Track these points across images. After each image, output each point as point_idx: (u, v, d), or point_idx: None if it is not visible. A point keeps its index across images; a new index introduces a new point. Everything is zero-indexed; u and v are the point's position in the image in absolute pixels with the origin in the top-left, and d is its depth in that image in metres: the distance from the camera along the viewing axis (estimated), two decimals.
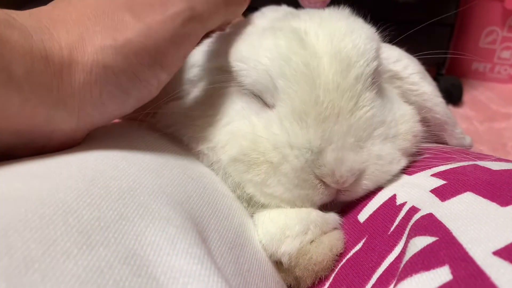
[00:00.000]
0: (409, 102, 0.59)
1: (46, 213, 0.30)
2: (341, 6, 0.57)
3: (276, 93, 0.49)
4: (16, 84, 0.36)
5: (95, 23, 0.42)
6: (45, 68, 0.38)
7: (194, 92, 0.56)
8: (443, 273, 0.33)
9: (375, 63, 0.50)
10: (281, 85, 0.48)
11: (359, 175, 0.49)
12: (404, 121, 0.53)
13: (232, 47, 0.53)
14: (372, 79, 0.50)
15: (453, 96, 1.92)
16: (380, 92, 0.52)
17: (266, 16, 0.58)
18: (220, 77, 0.53)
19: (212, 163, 0.53)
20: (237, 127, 0.51)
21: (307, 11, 0.57)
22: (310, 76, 0.47)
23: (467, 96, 2.04)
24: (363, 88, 0.49)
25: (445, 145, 0.62)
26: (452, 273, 0.32)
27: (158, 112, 0.56)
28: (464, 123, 1.79)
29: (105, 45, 0.41)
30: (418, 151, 0.55)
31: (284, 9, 0.63)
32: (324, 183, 0.48)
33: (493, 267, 0.31)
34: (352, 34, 0.50)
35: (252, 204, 0.52)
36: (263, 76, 0.49)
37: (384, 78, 0.56)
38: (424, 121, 0.60)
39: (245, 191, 0.51)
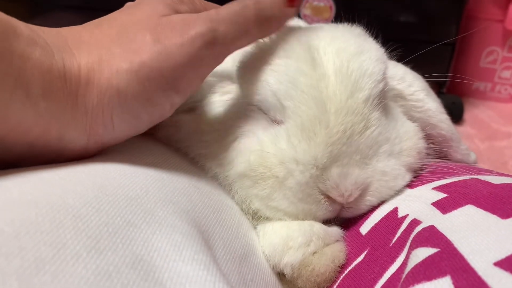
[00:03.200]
0: (413, 119, 0.60)
1: (56, 217, 0.31)
2: (352, 24, 0.58)
3: (284, 112, 0.49)
4: (33, 101, 0.37)
5: (116, 45, 0.42)
6: (62, 86, 0.39)
7: (203, 105, 0.57)
8: (445, 284, 0.33)
9: (382, 84, 0.51)
10: (289, 106, 0.48)
11: (363, 190, 0.49)
12: (408, 138, 0.54)
13: (241, 64, 0.53)
14: (379, 100, 0.50)
15: (454, 114, 1.93)
16: (385, 110, 0.53)
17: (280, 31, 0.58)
18: (229, 91, 0.54)
19: (219, 179, 0.53)
20: (245, 143, 0.51)
21: (320, 26, 0.57)
22: (319, 98, 0.47)
23: (468, 114, 2.06)
24: (371, 109, 0.49)
25: (447, 161, 0.62)
26: (453, 283, 0.33)
27: (167, 125, 0.55)
28: (465, 141, 1.78)
29: (121, 68, 0.41)
30: (421, 167, 0.56)
31: (300, 23, 0.63)
32: (328, 198, 0.49)
33: (494, 278, 0.32)
34: (362, 55, 0.50)
35: (256, 218, 0.52)
36: (271, 96, 0.50)
37: (389, 95, 0.57)
38: (429, 137, 0.60)
39: (250, 206, 0.51)
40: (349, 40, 0.52)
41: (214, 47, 0.45)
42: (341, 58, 0.49)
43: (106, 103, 0.41)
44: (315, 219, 0.50)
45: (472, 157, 0.66)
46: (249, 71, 0.52)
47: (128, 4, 0.50)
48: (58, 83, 0.38)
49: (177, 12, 0.47)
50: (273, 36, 0.55)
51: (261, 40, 0.53)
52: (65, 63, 0.39)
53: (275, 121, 0.51)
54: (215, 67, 0.48)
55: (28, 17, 1.97)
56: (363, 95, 0.48)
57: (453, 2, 1.76)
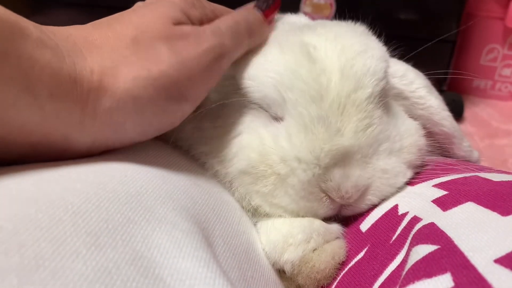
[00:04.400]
0: (415, 116, 0.60)
1: (56, 214, 0.31)
2: (356, 22, 0.58)
3: (285, 106, 0.49)
4: (39, 104, 0.36)
5: (131, 52, 0.42)
6: (72, 90, 0.38)
7: (204, 103, 0.57)
8: (445, 280, 0.33)
9: (383, 82, 0.51)
10: (290, 98, 0.48)
11: (364, 191, 0.49)
12: (408, 135, 0.54)
13: (242, 62, 0.53)
14: (380, 98, 0.50)
15: (454, 112, 1.91)
16: (386, 108, 0.53)
17: (280, 28, 0.58)
18: (230, 90, 0.54)
19: (220, 177, 0.53)
20: (246, 140, 0.51)
21: (324, 24, 0.57)
22: (319, 92, 0.48)
23: (468, 112, 2.05)
24: (373, 107, 0.49)
25: (447, 158, 0.62)
26: (454, 280, 0.33)
27: None
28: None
29: (139, 76, 0.41)
30: (422, 164, 0.56)
31: (302, 19, 0.63)
32: (329, 196, 0.49)
33: (494, 275, 0.32)
34: (364, 53, 0.50)
35: (256, 215, 0.52)
36: (272, 90, 0.50)
37: (390, 93, 0.57)
38: (431, 135, 0.60)
39: (250, 203, 0.51)
40: (353, 38, 0.52)
41: (222, 60, 0.48)
42: (343, 54, 0.49)
43: (119, 108, 0.41)
44: (315, 216, 0.50)
45: (475, 154, 0.66)
46: (249, 69, 0.52)
47: (139, 3, 0.50)
48: (68, 87, 0.38)
49: (188, 17, 0.48)
50: (272, 34, 0.56)
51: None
52: (77, 67, 0.39)
53: (276, 118, 0.51)
54: (220, 77, 0.51)
55: (29, 13, 1.96)
56: (366, 93, 0.48)
57: (453, 0, 1.76)
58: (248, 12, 0.54)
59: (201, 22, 0.50)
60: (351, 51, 0.50)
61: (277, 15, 0.61)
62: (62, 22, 0.45)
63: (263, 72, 0.51)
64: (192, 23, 0.49)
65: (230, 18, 0.52)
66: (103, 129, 0.41)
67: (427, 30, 1.81)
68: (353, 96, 0.48)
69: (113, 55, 0.41)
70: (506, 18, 1.94)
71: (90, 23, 0.45)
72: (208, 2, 0.55)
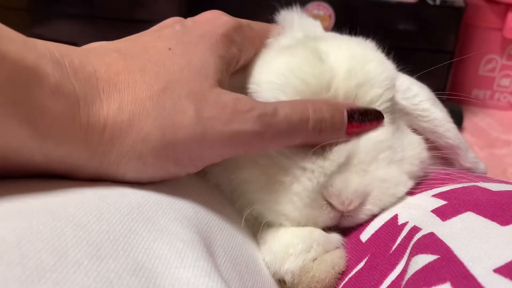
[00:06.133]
0: (419, 129, 0.60)
1: (57, 225, 0.31)
2: (362, 37, 0.59)
3: None
4: (45, 151, 0.36)
5: (153, 106, 0.39)
6: (80, 140, 0.37)
7: None
8: None
9: (389, 93, 0.51)
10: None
11: (364, 199, 0.50)
12: (411, 148, 0.54)
13: (252, 69, 0.53)
14: (386, 107, 0.51)
15: (453, 122, 1.92)
16: (390, 120, 0.53)
17: (291, 35, 0.58)
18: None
19: (222, 185, 0.53)
20: None
21: (335, 37, 0.58)
22: (314, 89, 0.49)
23: (467, 122, 2.06)
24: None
25: (447, 168, 0.62)
26: None
27: None
28: None
29: (150, 136, 0.39)
30: (424, 174, 0.56)
31: (318, 29, 0.63)
32: (330, 205, 0.49)
33: (493, 284, 0.32)
34: (373, 61, 0.51)
35: (257, 225, 0.52)
36: (277, 94, 0.50)
37: (395, 108, 0.57)
38: (436, 146, 0.60)
39: (251, 212, 0.51)
40: (363, 49, 0.53)
41: (251, 147, 0.44)
42: (352, 60, 0.50)
43: (123, 163, 0.39)
44: (315, 225, 0.50)
45: (481, 166, 0.66)
46: (257, 75, 0.52)
47: (177, 29, 0.47)
48: (77, 137, 0.37)
49: (226, 59, 0.46)
50: (275, 42, 0.56)
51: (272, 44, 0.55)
52: (90, 118, 0.37)
53: None
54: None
55: (30, 25, 1.98)
56: (375, 92, 0.50)
57: (451, 11, 1.78)
58: (332, 113, 0.47)
59: (238, 60, 0.48)
60: (362, 57, 0.51)
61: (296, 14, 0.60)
62: (64, 33, 0.45)
63: (270, 77, 0.51)
64: (229, 64, 0.46)
65: (301, 108, 0.45)
66: (108, 173, 0.40)
67: (426, 41, 1.82)
68: (360, 94, 0.49)
69: (132, 106, 0.39)
70: (504, 29, 1.96)
71: (122, 50, 0.42)
72: (251, 28, 0.51)
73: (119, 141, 0.38)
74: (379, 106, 0.50)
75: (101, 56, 0.40)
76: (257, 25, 0.54)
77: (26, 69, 0.33)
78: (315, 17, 1.80)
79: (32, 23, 2.04)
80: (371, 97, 0.50)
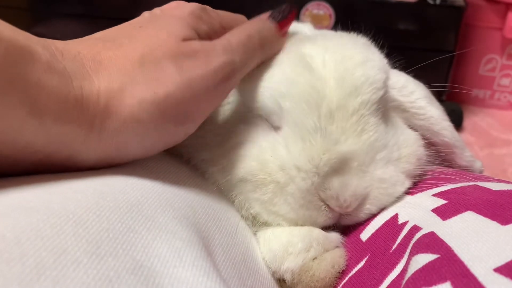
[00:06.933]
0: (415, 127, 0.60)
1: (57, 223, 0.31)
2: (355, 33, 0.59)
3: (282, 115, 0.50)
4: (45, 128, 0.36)
5: (139, 73, 0.41)
6: (77, 114, 0.38)
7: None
8: None
9: (381, 92, 0.51)
10: (287, 106, 0.49)
11: (362, 200, 0.49)
12: (407, 145, 0.54)
13: (245, 80, 0.53)
14: (378, 106, 0.51)
15: (453, 122, 1.92)
16: (384, 117, 0.53)
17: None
18: (231, 101, 0.55)
19: (220, 185, 0.53)
20: (245, 148, 0.52)
21: (325, 35, 0.58)
22: (315, 100, 0.48)
23: (467, 122, 2.06)
24: (368, 114, 0.50)
25: (447, 167, 0.63)
26: None
27: None
28: None
29: (144, 99, 0.41)
30: (422, 173, 0.56)
31: (306, 29, 0.63)
32: (328, 205, 0.49)
33: (494, 284, 0.32)
34: (364, 63, 0.51)
35: (255, 223, 0.52)
36: (269, 100, 0.50)
37: (389, 105, 0.57)
38: (432, 144, 0.60)
39: (249, 211, 0.52)
40: (352, 49, 0.52)
41: (232, 78, 0.47)
42: (341, 64, 0.50)
43: (124, 130, 0.40)
44: (314, 225, 0.50)
45: (478, 164, 0.66)
46: (248, 79, 0.52)
47: (146, 16, 0.50)
48: (74, 111, 0.38)
49: (197, 31, 0.48)
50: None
51: None
52: (84, 91, 0.38)
53: (275, 127, 0.51)
54: (228, 94, 0.50)
55: (29, 24, 1.98)
56: (362, 100, 0.49)
57: (452, 10, 1.78)
58: (261, 24, 0.53)
59: (209, 37, 0.50)
60: (350, 61, 0.50)
61: None
62: (63, 33, 0.45)
63: (262, 83, 0.51)
64: (201, 38, 0.48)
65: (242, 31, 0.50)
66: (107, 149, 0.41)
67: (426, 40, 1.82)
68: (349, 103, 0.49)
69: (120, 76, 0.41)
70: (504, 29, 1.96)
71: (100, 37, 0.45)
72: (216, 12, 0.54)
73: (115, 108, 0.40)
74: (367, 110, 0.50)
75: (81, 41, 0.43)
76: (222, 12, 0.56)
77: (19, 47, 0.34)
78: (315, 16, 1.81)
79: (32, 22, 2.04)
80: (359, 103, 0.49)
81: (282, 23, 0.54)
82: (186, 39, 0.45)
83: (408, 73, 0.64)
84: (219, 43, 0.47)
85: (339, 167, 0.48)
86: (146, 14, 0.50)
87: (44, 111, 0.36)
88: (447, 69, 1.87)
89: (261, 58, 0.52)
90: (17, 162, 0.37)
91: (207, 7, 0.53)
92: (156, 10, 0.51)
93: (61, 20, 2.01)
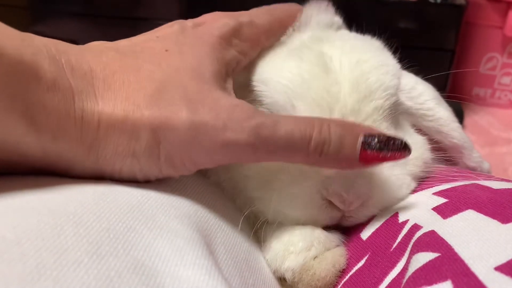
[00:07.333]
0: (424, 129, 0.60)
1: (58, 223, 0.31)
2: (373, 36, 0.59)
3: (293, 113, 0.50)
4: (42, 145, 0.36)
5: (146, 106, 0.39)
6: (76, 135, 0.37)
7: None
8: None
9: (394, 98, 0.51)
10: (300, 107, 0.49)
11: (366, 199, 0.49)
12: (415, 149, 0.54)
13: (257, 66, 0.53)
14: (390, 111, 0.51)
15: None
16: (394, 122, 0.53)
17: (300, 34, 0.57)
18: (242, 93, 0.54)
19: (222, 183, 0.53)
20: None
21: (342, 36, 0.58)
22: (329, 103, 0.48)
23: (468, 120, 2.06)
24: (380, 119, 0.50)
25: (448, 166, 0.62)
26: None
27: None
28: None
29: (143, 136, 0.39)
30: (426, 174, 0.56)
31: (335, 19, 0.62)
32: (330, 204, 0.49)
33: (495, 283, 0.32)
34: (379, 68, 0.51)
35: (257, 222, 0.52)
36: (282, 97, 0.50)
37: (399, 109, 0.57)
38: (440, 146, 0.60)
39: (252, 210, 0.51)
40: (368, 52, 0.53)
41: (243, 159, 0.42)
42: (357, 68, 0.50)
43: (119, 161, 0.40)
44: (316, 224, 0.50)
45: (486, 165, 0.65)
46: (264, 74, 0.52)
47: (175, 30, 0.47)
48: (73, 131, 0.37)
49: (225, 61, 0.45)
50: (287, 39, 0.56)
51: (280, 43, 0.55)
52: (84, 114, 0.37)
53: None
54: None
55: (30, 23, 1.97)
56: (374, 105, 0.49)
57: (452, 9, 1.77)
58: (342, 135, 0.41)
59: (238, 61, 0.48)
60: (366, 65, 0.51)
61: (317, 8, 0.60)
62: (64, 31, 0.45)
63: (277, 78, 0.51)
64: (228, 66, 0.46)
65: (305, 125, 0.41)
66: (103, 169, 0.40)
67: (427, 39, 1.82)
68: (362, 108, 0.49)
69: (127, 105, 0.39)
70: (505, 27, 1.95)
71: (120, 49, 0.42)
72: (252, 26, 0.50)
73: (114, 138, 0.39)
74: (380, 115, 0.50)
75: (98, 55, 0.40)
76: (261, 20, 0.51)
77: (23, 64, 0.34)
78: None
79: (31, 21, 2.04)
80: (373, 109, 0.49)
81: (373, 156, 0.42)
82: (217, 88, 0.42)
83: (408, 71, 0.64)
84: (258, 119, 0.40)
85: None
86: (175, 27, 0.47)
87: (43, 128, 0.36)
88: (447, 68, 1.87)
89: (304, 163, 0.43)
90: (15, 169, 0.38)
91: (244, 23, 0.49)
92: (188, 24, 0.48)
93: (61, 18, 2.00)
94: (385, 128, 0.50)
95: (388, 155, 0.41)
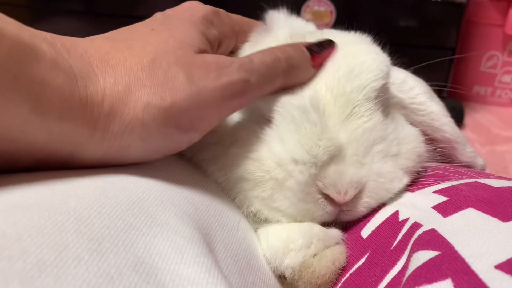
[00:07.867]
0: (415, 123, 0.60)
1: (58, 220, 0.31)
2: (358, 31, 0.59)
3: (277, 109, 0.50)
4: (47, 126, 0.36)
5: (147, 76, 0.41)
6: (81, 114, 0.38)
7: None
8: (446, 286, 0.33)
9: (380, 82, 0.51)
10: (282, 99, 0.50)
11: (360, 190, 0.49)
12: (408, 141, 0.54)
13: None
14: (376, 95, 0.51)
15: (454, 119, 1.92)
16: (385, 112, 0.53)
17: (276, 33, 0.58)
18: None
19: (220, 183, 0.53)
20: (240, 147, 0.52)
21: (329, 33, 0.58)
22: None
23: (468, 119, 2.06)
24: (364, 99, 0.50)
25: (448, 164, 0.62)
26: (454, 286, 0.33)
27: None
28: None
29: (150, 103, 0.40)
30: (422, 170, 0.56)
31: (309, 27, 0.63)
32: (326, 198, 0.49)
33: (495, 281, 0.32)
34: (365, 54, 0.52)
35: (256, 221, 0.52)
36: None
37: (390, 102, 0.57)
38: (434, 141, 0.60)
39: (250, 209, 0.52)
40: (356, 45, 0.54)
41: (243, 96, 0.46)
42: (344, 51, 0.52)
43: (127, 133, 0.40)
44: (313, 220, 0.50)
45: (480, 161, 0.65)
46: None
47: (158, 17, 0.50)
48: (78, 111, 0.37)
49: (207, 36, 0.48)
50: (260, 39, 0.57)
51: (268, 37, 0.57)
52: (89, 91, 0.38)
53: (271, 122, 0.51)
54: (238, 110, 0.50)
55: (30, 21, 1.97)
56: (359, 88, 0.50)
57: (453, 7, 1.77)
58: (295, 51, 0.51)
59: (219, 41, 0.50)
60: (352, 56, 0.51)
61: (284, 14, 0.61)
62: (63, 30, 0.44)
63: None
64: (210, 42, 0.48)
65: (269, 53, 0.49)
66: (109, 150, 0.41)
67: (427, 37, 1.82)
68: (346, 91, 0.49)
69: (127, 78, 0.40)
70: (505, 25, 1.95)
71: (110, 36, 0.44)
72: (229, 16, 0.54)
73: (119, 111, 0.39)
74: (364, 95, 0.50)
75: (89, 41, 0.42)
76: (236, 16, 0.56)
77: (23, 45, 0.34)
78: (316, 13, 1.80)
79: (32, 19, 2.04)
80: (356, 87, 0.50)
81: (318, 57, 0.52)
82: (199, 51, 0.45)
83: (409, 70, 0.64)
84: (238, 61, 0.46)
85: (336, 154, 0.48)
86: (158, 15, 0.50)
87: (47, 109, 0.35)
88: (448, 66, 1.87)
89: (284, 83, 0.50)
90: (19, 159, 0.37)
91: (220, 10, 0.53)
92: (169, 11, 0.51)
93: (61, 17, 2.01)
94: (369, 110, 0.50)
95: (327, 53, 0.53)
